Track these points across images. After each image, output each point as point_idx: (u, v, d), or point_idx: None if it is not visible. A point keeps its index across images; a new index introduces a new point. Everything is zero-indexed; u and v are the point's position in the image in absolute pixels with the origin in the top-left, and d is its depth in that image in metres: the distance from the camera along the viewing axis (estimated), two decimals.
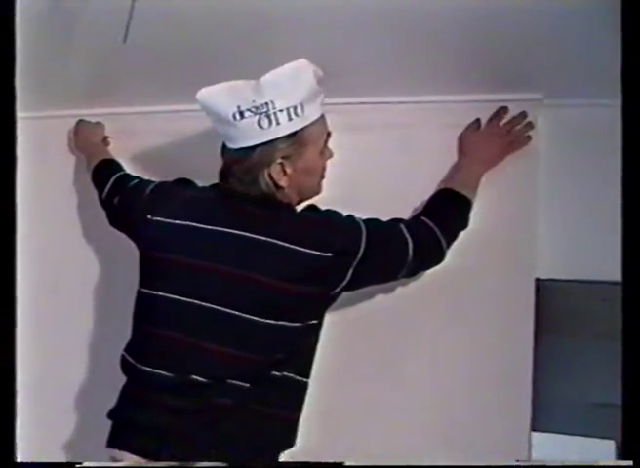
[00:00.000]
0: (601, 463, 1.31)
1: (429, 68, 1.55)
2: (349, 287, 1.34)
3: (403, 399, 1.64)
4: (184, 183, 1.50)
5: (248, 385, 1.30)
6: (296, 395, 1.39)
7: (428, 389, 1.64)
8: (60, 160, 1.94)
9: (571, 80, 1.55)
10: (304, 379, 1.39)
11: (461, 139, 1.66)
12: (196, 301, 1.32)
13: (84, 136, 1.88)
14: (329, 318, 1.45)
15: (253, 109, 1.27)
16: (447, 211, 1.52)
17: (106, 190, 1.62)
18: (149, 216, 1.40)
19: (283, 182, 1.33)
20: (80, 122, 1.89)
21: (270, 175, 1.31)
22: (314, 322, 1.37)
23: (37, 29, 1.38)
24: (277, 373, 1.33)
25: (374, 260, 1.33)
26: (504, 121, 1.63)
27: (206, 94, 1.31)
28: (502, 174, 1.63)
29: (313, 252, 1.29)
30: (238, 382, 1.30)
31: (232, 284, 1.31)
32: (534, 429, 1.58)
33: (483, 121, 1.65)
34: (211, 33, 1.46)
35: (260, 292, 1.29)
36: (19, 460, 1.11)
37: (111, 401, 1.42)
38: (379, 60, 1.52)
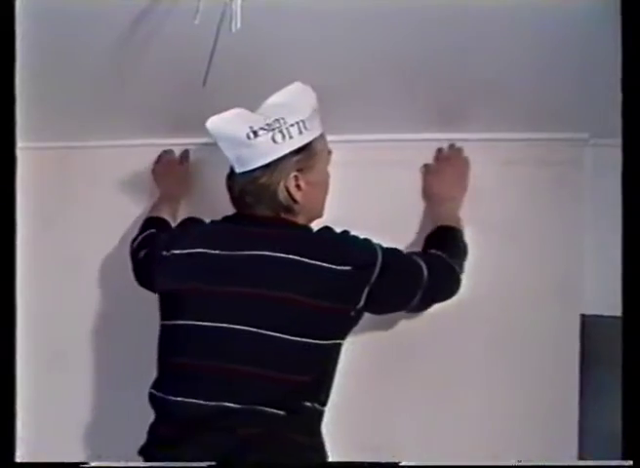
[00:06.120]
0: (601, 463, 1.30)
1: (478, 106, 1.58)
2: (367, 307, 1.35)
3: (450, 429, 1.65)
4: (194, 221, 1.54)
5: (275, 411, 1.30)
6: (318, 423, 1.39)
7: (475, 420, 1.65)
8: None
9: (617, 120, 1.57)
10: (323, 408, 1.39)
11: (423, 185, 1.73)
12: (224, 325, 1.32)
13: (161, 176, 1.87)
14: (379, 347, 1.47)
15: (265, 127, 1.32)
16: (448, 242, 1.55)
17: (135, 244, 1.63)
18: (164, 253, 1.42)
19: (298, 196, 1.36)
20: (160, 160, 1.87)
21: (287, 189, 1.35)
22: (337, 342, 1.37)
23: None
24: (307, 404, 1.34)
25: (389, 280, 1.35)
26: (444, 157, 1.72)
27: (217, 120, 1.35)
28: (549, 212, 1.65)
29: (332, 266, 1.31)
30: (266, 409, 1.30)
31: (257, 304, 1.31)
32: (581, 460, 1.57)
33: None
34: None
35: (285, 310, 1.31)
36: (18, 460, 1.11)
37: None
38: (423, 98, 1.54)
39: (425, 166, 1.73)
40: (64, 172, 1.91)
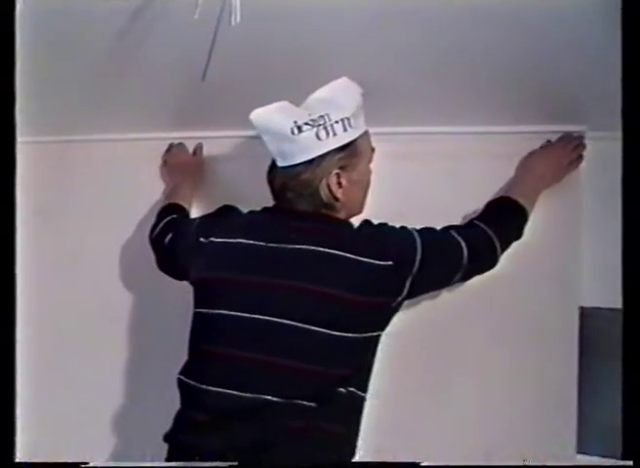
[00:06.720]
0: (601, 463, 1.28)
1: (475, 99, 1.57)
2: (409, 296, 1.36)
3: (448, 419, 1.65)
4: (232, 209, 1.52)
5: (314, 404, 1.29)
6: (358, 409, 1.39)
7: (474, 411, 1.65)
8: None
9: (614, 113, 1.57)
10: (364, 394, 1.38)
11: (528, 155, 1.68)
12: (264, 317, 1.31)
13: (173, 166, 1.86)
14: None
15: (310, 122, 1.31)
16: (502, 216, 1.54)
17: (157, 230, 1.61)
18: (202, 239, 1.40)
19: (339, 194, 1.35)
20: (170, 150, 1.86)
21: (328, 186, 1.34)
22: (377, 334, 1.38)
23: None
24: (343, 390, 1.32)
25: (430, 268, 1.35)
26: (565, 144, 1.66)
27: (261, 113, 1.34)
28: (547, 205, 1.64)
29: (374, 261, 1.31)
30: (305, 402, 1.29)
31: (296, 297, 1.31)
32: (579, 452, 1.58)
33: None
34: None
35: (325, 304, 1.30)
36: (18, 460, 1.11)
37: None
38: (425, 91, 1.54)
39: (548, 141, 1.67)
40: (64, 166, 1.91)
